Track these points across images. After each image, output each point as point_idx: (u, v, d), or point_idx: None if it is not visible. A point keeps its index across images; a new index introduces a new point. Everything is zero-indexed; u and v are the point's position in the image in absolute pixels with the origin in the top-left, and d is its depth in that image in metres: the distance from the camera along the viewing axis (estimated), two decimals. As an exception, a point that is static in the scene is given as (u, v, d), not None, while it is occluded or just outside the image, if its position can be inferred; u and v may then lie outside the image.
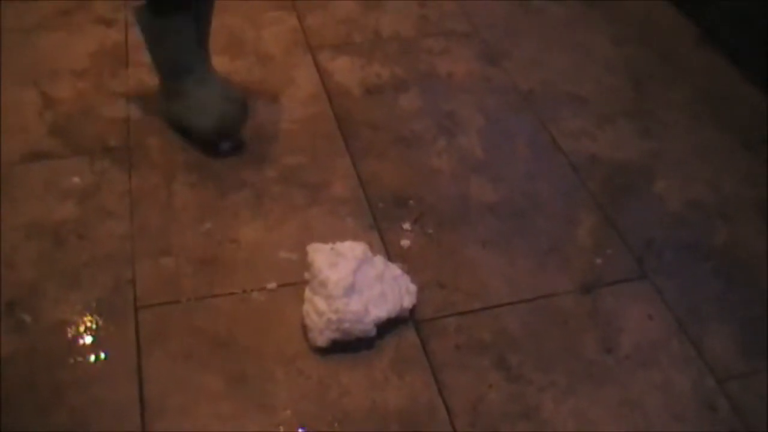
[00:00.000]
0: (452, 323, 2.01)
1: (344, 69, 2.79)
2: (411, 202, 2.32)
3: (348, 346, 1.91)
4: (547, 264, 2.18)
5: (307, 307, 1.93)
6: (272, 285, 2.06)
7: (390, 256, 2.14)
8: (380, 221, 2.25)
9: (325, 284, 1.88)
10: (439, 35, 3.00)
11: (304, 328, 1.93)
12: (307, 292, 1.95)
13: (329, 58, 2.85)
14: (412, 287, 2.01)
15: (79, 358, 1.89)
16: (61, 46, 2.84)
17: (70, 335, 1.94)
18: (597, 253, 2.22)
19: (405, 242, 2.20)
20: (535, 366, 1.94)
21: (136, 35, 2.45)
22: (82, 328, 1.96)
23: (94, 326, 1.96)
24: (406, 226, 2.25)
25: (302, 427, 1.79)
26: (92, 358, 1.90)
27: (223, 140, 2.42)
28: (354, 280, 1.89)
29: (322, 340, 1.88)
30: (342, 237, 2.08)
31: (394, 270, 2.02)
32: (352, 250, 1.97)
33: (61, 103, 2.60)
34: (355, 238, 2.10)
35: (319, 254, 1.95)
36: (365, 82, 2.75)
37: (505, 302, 2.08)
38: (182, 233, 2.19)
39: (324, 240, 2.04)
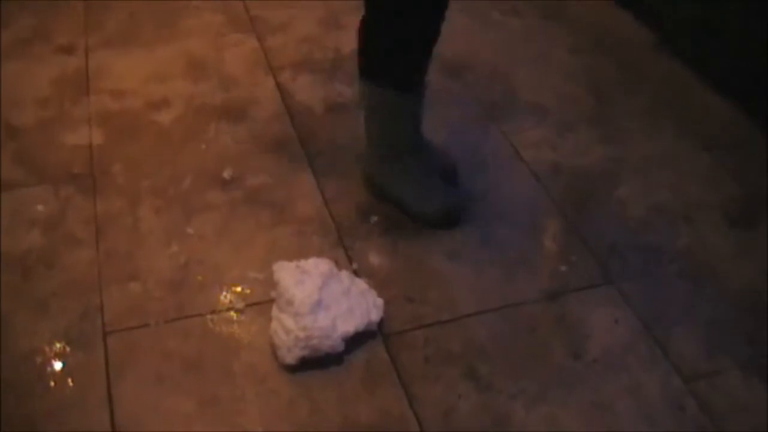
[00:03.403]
0: (421, 335, 2.02)
1: (306, 88, 2.81)
2: (375, 217, 2.33)
3: (317, 362, 1.92)
4: (513, 273, 2.20)
5: (274, 325, 1.93)
6: (240, 305, 2.07)
7: (356, 272, 2.15)
8: (345, 237, 2.26)
9: (292, 302, 1.89)
10: (399, 51, 3.02)
11: (273, 347, 1.93)
12: (275, 311, 1.96)
13: (291, 78, 2.86)
14: (379, 301, 2.02)
15: (50, 388, 1.89)
16: (22, 75, 2.85)
17: (39, 365, 1.94)
18: (562, 261, 2.24)
19: (371, 257, 2.21)
20: (505, 374, 1.95)
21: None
22: (51, 357, 1.95)
23: (63, 354, 1.96)
24: (372, 241, 2.26)
25: (275, 446, 1.80)
26: (62, 386, 1.89)
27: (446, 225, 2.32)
28: (320, 297, 1.90)
29: (291, 357, 1.89)
30: (308, 255, 2.09)
31: (361, 285, 2.03)
32: (317, 266, 1.98)
33: (24, 132, 2.60)
34: (321, 255, 2.11)
35: (285, 272, 1.96)
36: (327, 101, 2.77)
37: (473, 312, 2.09)
38: (149, 257, 2.20)
39: (291, 258, 2.05)
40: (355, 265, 2.18)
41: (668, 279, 2.20)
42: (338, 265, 2.09)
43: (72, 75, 2.86)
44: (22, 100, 2.73)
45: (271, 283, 2.01)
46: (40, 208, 2.33)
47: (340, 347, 1.92)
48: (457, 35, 3.13)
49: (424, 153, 2.34)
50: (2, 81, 2.81)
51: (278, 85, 2.82)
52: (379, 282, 2.13)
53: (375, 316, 1.99)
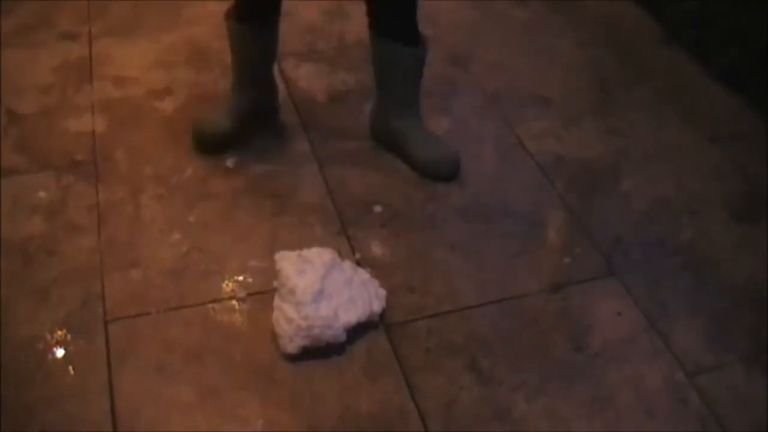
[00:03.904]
0: (423, 326, 2.02)
1: (309, 77, 2.80)
2: (379, 207, 2.32)
3: (319, 352, 1.91)
4: (516, 265, 2.19)
5: (276, 314, 1.93)
6: (242, 294, 2.07)
7: (359, 262, 2.15)
8: (348, 227, 2.26)
9: (294, 291, 1.89)
10: (404, 41, 3.01)
11: (275, 336, 1.93)
12: (276, 300, 1.95)
13: (294, 66, 2.85)
14: (381, 291, 2.02)
15: (50, 375, 1.89)
16: (25, 62, 2.83)
17: (39, 352, 1.93)
18: (565, 253, 2.23)
19: (373, 247, 2.21)
20: (507, 366, 1.94)
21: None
22: (51, 345, 1.95)
23: (63, 342, 1.95)
24: (375, 231, 2.25)
25: (275, 436, 1.80)
26: (63, 374, 1.89)
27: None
28: (322, 286, 1.90)
29: (292, 347, 1.88)
30: (311, 244, 2.08)
31: (363, 275, 2.03)
32: (320, 256, 1.97)
33: (26, 119, 2.59)
34: (323, 244, 2.10)
35: (287, 261, 1.96)
36: (330, 89, 2.76)
37: (475, 304, 2.08)
38: (151, 245, 2.19)
39: (293, 248, 2.04)
40: (357, 255, 2.18)
41: (671, 272, 2.20)
42: (341, 254, 2.09)
43: (75, 62, 2.85)
44: (24, 86, 2.72)
45: (273, 272, 2.00)
46: (41, 194, 2.32)
47: (342, 337, 1.92)
48: (462, 25, 3.12)
49: (251, 93, 2.51)
50: (5, 67, 2.79)
51: (282, 74, 2.81)
52: (381, 272, 2.12)
53: (377, 306, 1.98)
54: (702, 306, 2.11)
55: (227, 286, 2.09)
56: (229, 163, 2.44)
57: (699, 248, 2.27)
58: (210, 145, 2.47)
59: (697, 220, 2.35)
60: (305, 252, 2.00)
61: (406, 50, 2.35)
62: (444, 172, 2.44)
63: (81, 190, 2.34)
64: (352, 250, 2.20)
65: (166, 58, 2.88)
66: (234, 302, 2.06)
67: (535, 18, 3.21)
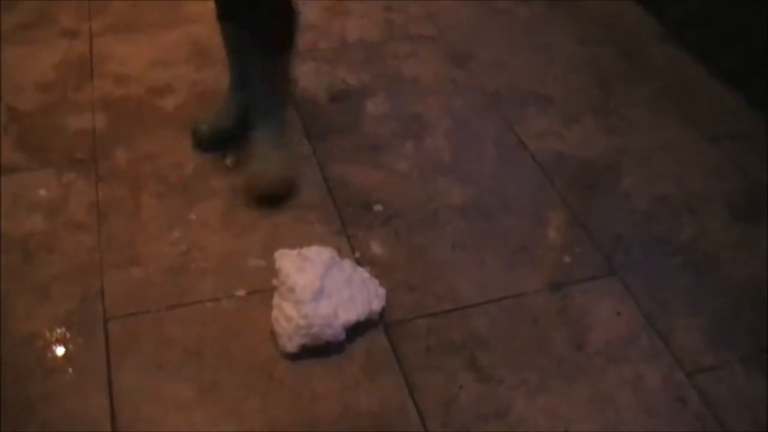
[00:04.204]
0: (422, 325, 2.02)
1: (310, 75, 2.80)
2: (379, 206, 2.32)
3: (318, 351, 1.91)
4: (516, 263, 2.19)
5: (276, 313, 1.93)
6: (241, 292, 2.06)
7: (359, 260, 2.15)
8: (348, 226, 2.26)
9: (293, 289, 1.88)
10: (404, 39, 3.01)
11: (274, 335, 1.93)
12: (276, 298, 1.95)
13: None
14: (381, 290, 2.02)
15: (49, 372, 1.89)
16: (26, 59, 2.83)
17: (39, 349, 1.93)
18: (565, 252, 2.23)
19: (374, 246, 2.21)
20: (506, 365, 1.94)
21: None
22: (51, 342, 1.95)
23: (63, 339, 1.95)
24: (375, 229, 2.25)
25: (274, 434, 1.80)
26: (62, 371, 1.89)
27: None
28: (322, 285, 1.90)
29: (291, 345, 1.88)
30: (311, 243, 2.08)
31: (363, 273, 2.03)
32: (320, 254, 1.97)
33: (27, 117, 2.59)
34: (323, 243, 2.10)
35: (287, 260, 1.95)
36: (331, 88, 2.76)
37: (475, 303, 2.08)
38: (151, 243, 2.19)
39: (293, 246, 2.04)
40: (357, 254, 2.18)
41: (671, 271, 2.20)
42: (341, 253, 2.09)
43: (76, 59, 2.85)
44: (25, 83, 2.72)
45: (273, 270, 2.00)
46: (42, 192, 2.32)
47: (341, 336, 1.92)
48: (461, 23, 3.12)
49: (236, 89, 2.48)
50: (6, 64, 2.80)
51: (282, 72, 2.81)
52: (381, 271, 2.12)
53: (377, 305, 1.98)
54: (702, 306, 2.11)
55: (227, 284, 2.09)
56: (229, 161, 2.44)
57: (699, 248, 2.27)
58: (210, 143, 2.47)
59: (698, 220, 2.35)
60: (305, 250, 1.99)
61: (221, 25, 2.39)
62: (261, 190, 2.33)
63: (81, 188, 2.34)
64: (351, 248, 2.20)
65: (166, 56, 2.88)
66: (233, 300, 2.05)
67: (536, 16, 3.20)
